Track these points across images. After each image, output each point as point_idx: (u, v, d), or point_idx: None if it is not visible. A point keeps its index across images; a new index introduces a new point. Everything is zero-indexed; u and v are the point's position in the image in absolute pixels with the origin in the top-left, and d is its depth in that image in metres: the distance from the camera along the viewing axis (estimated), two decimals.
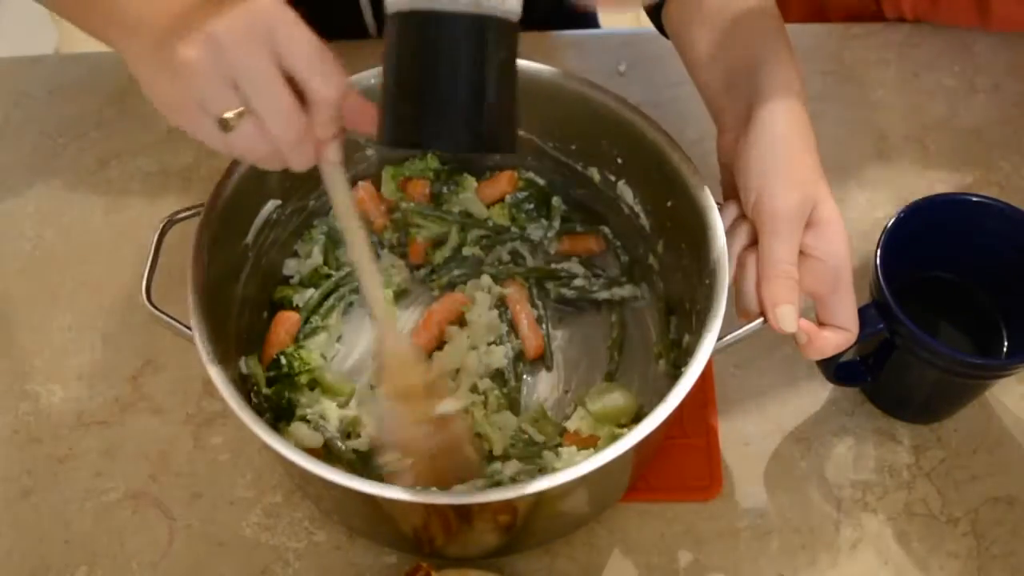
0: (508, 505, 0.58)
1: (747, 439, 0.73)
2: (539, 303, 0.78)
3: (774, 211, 0.59)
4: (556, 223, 0.79)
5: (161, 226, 0.64)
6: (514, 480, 0.67)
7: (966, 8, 0.92)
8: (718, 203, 0.64)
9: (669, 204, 0.69)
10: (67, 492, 0.72)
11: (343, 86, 0.51)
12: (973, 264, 0.71)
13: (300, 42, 0.50)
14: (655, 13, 0.73)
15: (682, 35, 0.69)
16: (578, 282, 0.78)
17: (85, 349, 0.79)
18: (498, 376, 0.74)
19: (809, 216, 0.60)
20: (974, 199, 0.69)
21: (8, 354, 0.79)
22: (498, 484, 0.67)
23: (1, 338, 0.80)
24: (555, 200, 0.79)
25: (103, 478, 0.73)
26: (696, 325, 0.62)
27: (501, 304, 0.77)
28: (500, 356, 0.74)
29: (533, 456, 0.69)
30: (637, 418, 0.70)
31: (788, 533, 0.69)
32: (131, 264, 0.84)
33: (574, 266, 0.79)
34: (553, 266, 0.79)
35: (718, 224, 0.62)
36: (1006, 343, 0.71)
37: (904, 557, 0.68)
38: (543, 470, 0.68)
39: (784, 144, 0.61)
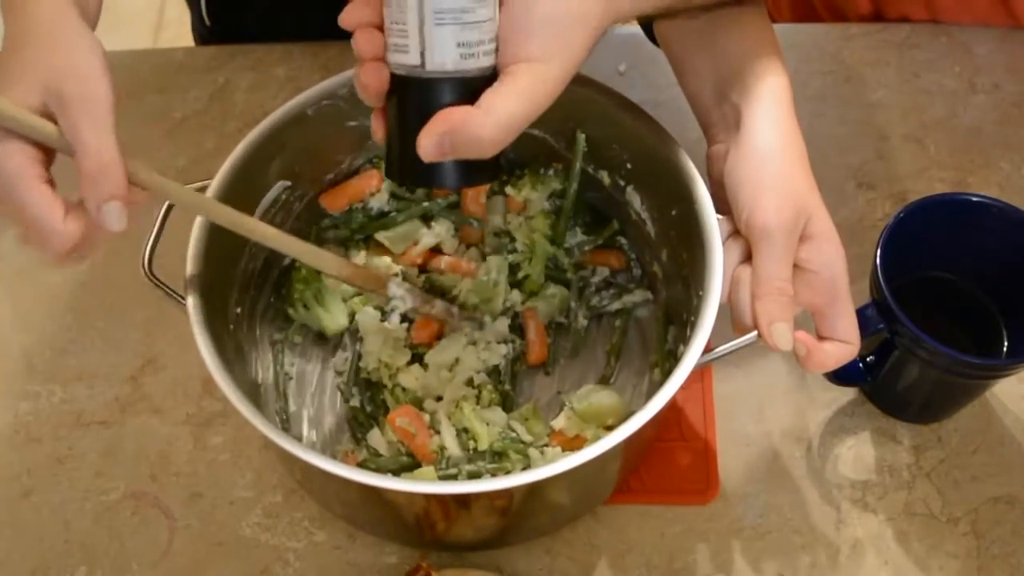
0: (505, 492, 0.59)
1: (747, 439, 0.73)
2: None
3: (766, 227, 0.59)
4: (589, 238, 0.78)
5: (167, 201, 0.64)
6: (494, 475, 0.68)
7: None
8: (719, 215, 0.63)
9: (673, 213, 0.68)
10: (67, 492, 0.72)
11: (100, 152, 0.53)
12: (973, 264, 0.71)
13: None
14: (647, 22, 0.73)
15: (672, 45, 0.68)
16: (594, 300, 0.77)
17: (85, 349, 0.79)
18: (494, 372, 0.74)
19: (803, 229, 0.60)
20: (974, 199, 0.69)
21: (8, 354, 0.79)
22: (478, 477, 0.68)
23: (1, 338, 0.80)
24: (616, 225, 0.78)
25: (103, 478, 0.73)
26: (690, 336, 0.62)
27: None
28: (499, 355, 0.74)
29: (519, 453, 0.69)
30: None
31: (788, 533, 0.69)
32: (131, 264, 0.83)
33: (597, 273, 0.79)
34: (581, 273, 0.78)
35: (715, 235, 0.62)
36: (1006, 343, 0.71)
37: (904, 557, 0.68)
38: (527, 469, 0.68)
39: (774, 158, 0.60)
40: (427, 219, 0.78)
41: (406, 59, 0.52)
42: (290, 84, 0.94)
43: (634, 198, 0.74)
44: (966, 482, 0.71)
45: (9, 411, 0.76)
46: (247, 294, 0.71)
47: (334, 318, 0.75)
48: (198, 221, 0.63)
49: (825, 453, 0.72)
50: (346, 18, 0.53)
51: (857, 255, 0.80)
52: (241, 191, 0.66)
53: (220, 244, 0.64)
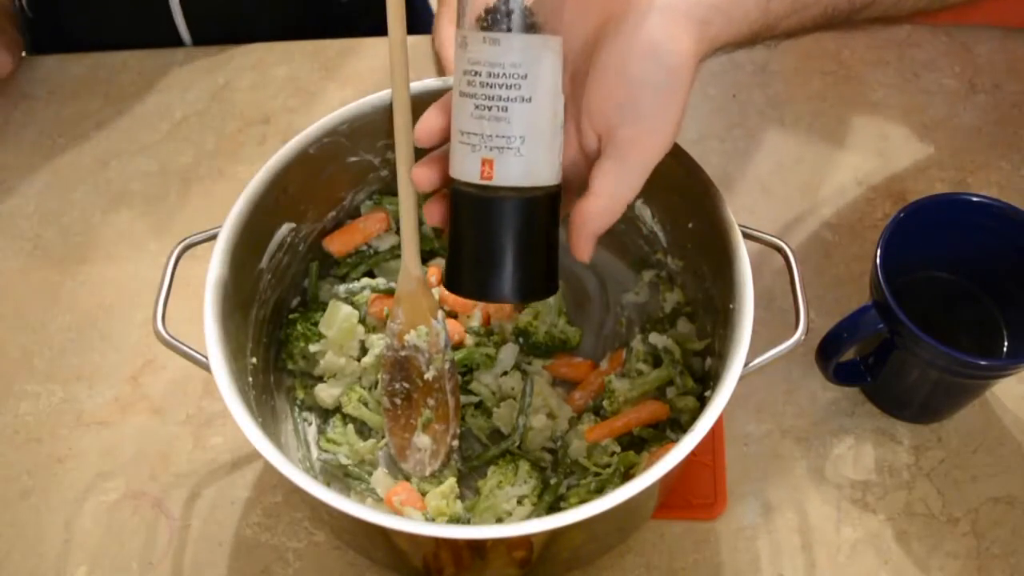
0: (525, 540, 0.56)
1: (747, 439, 0.73)
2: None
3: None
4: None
5: (176, 252, 0.62)
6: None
7: None
8: (742, 227, 0.63)
9: (690, 226, 0.68)
10: (67, 492, 0.72)
11: None
12: (973, 264, 0.71)
13: None
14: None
15: None
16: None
17: (85, 349, 0.79)
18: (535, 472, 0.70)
19: None
20: (974, 199, 0.69)
21: (8, 354, 0.79)
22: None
23: (1, 338, 0.80)
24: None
25: (103, 478, 0.73)
26: (719, 348, 0.61)
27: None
28: (532, 484, 0.69)
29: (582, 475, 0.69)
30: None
31: (788, 533, 0.69)
32: (131, 264, 0.84)
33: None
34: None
35: (742, 251, 0.61)
36: (1006, 343, 0.71)
37: (904, 557, 0.68)
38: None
39: None
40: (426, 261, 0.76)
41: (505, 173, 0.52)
42: (290, 84, 0.94)
43: (644, 211, 0.73)
44: (966, 482, 0.71)
45: (9, 411, 0.76)
46: (260, 342, 0.69)
47: (328, 390, 0.73)
48: (211, 274, 0.61)
49: (825, 453, 0.72)
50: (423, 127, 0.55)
51: (857, 255, 0.81)
52: (250, 236, 0.65)
53: (234, 294, 0.62)
